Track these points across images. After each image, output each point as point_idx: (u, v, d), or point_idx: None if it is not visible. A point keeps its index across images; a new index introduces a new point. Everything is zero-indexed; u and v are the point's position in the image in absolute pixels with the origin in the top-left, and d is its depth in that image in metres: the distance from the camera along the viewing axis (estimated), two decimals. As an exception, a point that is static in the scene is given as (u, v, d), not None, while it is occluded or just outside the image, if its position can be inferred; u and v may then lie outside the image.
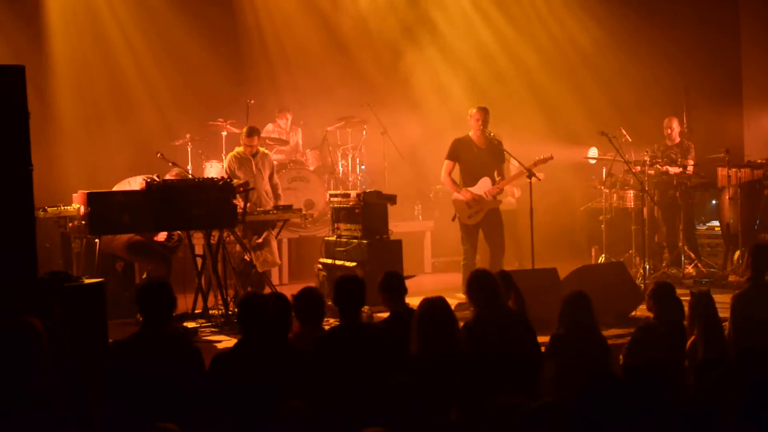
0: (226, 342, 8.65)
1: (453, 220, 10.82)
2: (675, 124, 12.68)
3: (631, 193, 12.39)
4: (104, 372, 5.57)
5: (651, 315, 6.93)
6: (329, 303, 6.88)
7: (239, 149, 11.27)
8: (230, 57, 14.60)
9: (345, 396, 5.66)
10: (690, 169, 12.31)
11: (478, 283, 6.64)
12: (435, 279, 13.03)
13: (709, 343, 6.51)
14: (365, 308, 9.39)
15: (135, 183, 9.77)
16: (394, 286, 6.86)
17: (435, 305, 6.08)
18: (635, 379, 4.52)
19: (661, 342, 6.53)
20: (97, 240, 9.08)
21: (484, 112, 10.60)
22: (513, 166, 11.39)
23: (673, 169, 12.25)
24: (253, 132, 11.19)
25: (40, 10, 13.48)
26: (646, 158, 12.05)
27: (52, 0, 13.54)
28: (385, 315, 7.02)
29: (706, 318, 6.71)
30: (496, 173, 10.71)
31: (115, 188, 9.89)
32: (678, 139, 12.67)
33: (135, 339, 5.70)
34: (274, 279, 12.02)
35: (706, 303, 6.81)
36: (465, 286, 6.81)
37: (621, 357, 6.82)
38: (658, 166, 12.18)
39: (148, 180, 9.15)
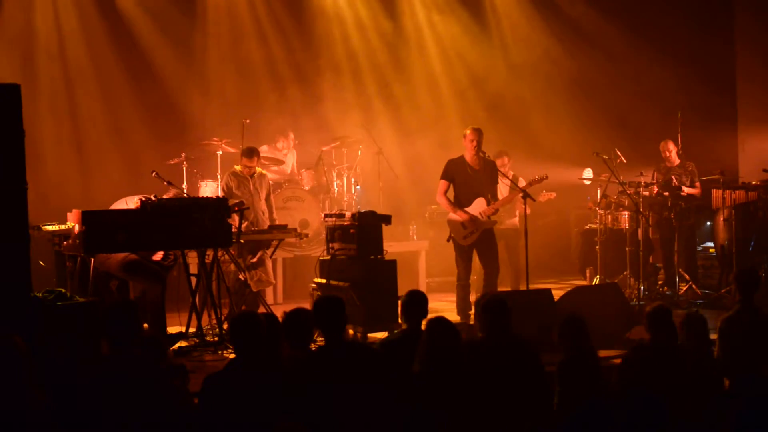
0: (220, 361, 8.62)
1: (448, 240, 10.82)
2: (671, 146, 12.65)
3: (625, 214, 12.40)
4: (76, 395, 5.53)
5: (646, 336, 6.93)
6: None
7: (237, 168, 11.29)
8: (225, 77, 14.62)
9: (332, 416, 5.64)
10: (696, 191, 12.36)
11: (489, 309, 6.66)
12: (429, 299, 12.94)
13: (701, 365, 6.52)
14: (359, 328, 9.42)
15: (131, 203, 9.75)
16: (413, 305, 6.86)
17: (441, 325, 6.08)
18: (631, 400, 4.52)
19: (656, 364, 6.52)
20: (91, 259, 9.06)
21: (478, 133, 10.62)
22: (510, 187, 11.39)
23: (688, 189, 12.27)
24: (253, 153, 11.24)
25: (32, 28, 13.54)
26: (641, 179, 12.05)
27: (46, 19, 13.59)
28: (379, 335, 7.04)
29: (696, 340, 6.73)
30: (490, 195, 10.71)
31: (112, 207, 9.87)
32: (678, 161, 12.66)
33: (102, 362, 5.68)
34: (269, 298, 12.01)
35: (697, 326, 6.82)
36: (475, 308, 6.82)
37: (614, 378, 6.80)
38: (663, 193, 12.18)
39: (144, 199, 9.14)
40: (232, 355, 8.66)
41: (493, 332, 6.54)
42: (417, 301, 6.94)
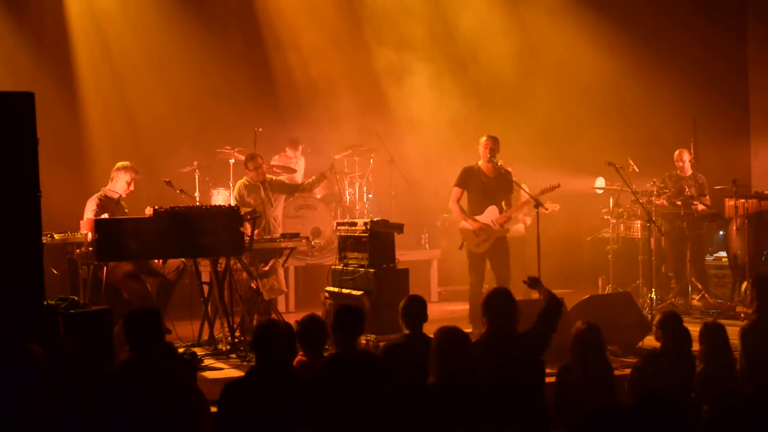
0: (232, 370, 8.63)
1: (460, 248, 10.82)
2: (686, 156, 12.65)
3: (638, 224, 12.39)
4: (94, 401, 5.53)
5: (658, 345, 6.92)
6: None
7: (247, 177, 11.31)
8: (238, 85, 14.63)
9: (344, 424, 5.64)
10: (707, 201, 12.37)
11: (493, 302, 6.64)
12: (441, 308, 12.99)
13: (721, 375, 6.50)
14: (371, 336, 9.41)
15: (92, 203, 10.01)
16: (414, 311, 6.88)
17: (453, 334, 6.07)
18: (645, 409, 4.50)
19: (667, 372, 6.50)
20: (104, 266, 9.09)
21: (492, 141, 10.65)
22: (523, 195, 11.37)
23: (701, 204, 12.28)
24: (254, 157, 11.29)
25: (61, 38, 13.65)
26: (653, 188, 12.03)
27: (73, 29, 13.71)
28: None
29: (718, 351, 6.71)
30: (504, 203, 10.71)
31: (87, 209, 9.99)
32: (690, 171, 12.66)
33: (121, 368, 5.69)
34: (281, 307, 12.01)
35: (717, 335, 6.80)
36: (482, 304, 6.80)
37: (626, 387, 6.79)
38: (675, 202, 12.19)
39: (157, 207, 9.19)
40: (244, 363, 8.72)
41: (495, 326, 6.53)
42: (417, 306, 6.93)
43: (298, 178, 13.98)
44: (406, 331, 6.86)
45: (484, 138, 10.73)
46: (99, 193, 10.20)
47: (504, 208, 10.69)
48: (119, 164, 10.42)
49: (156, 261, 9.96)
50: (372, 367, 6.09)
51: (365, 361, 6.20)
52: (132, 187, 10.38)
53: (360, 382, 5.86)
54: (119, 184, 10.29)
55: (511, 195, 10.93)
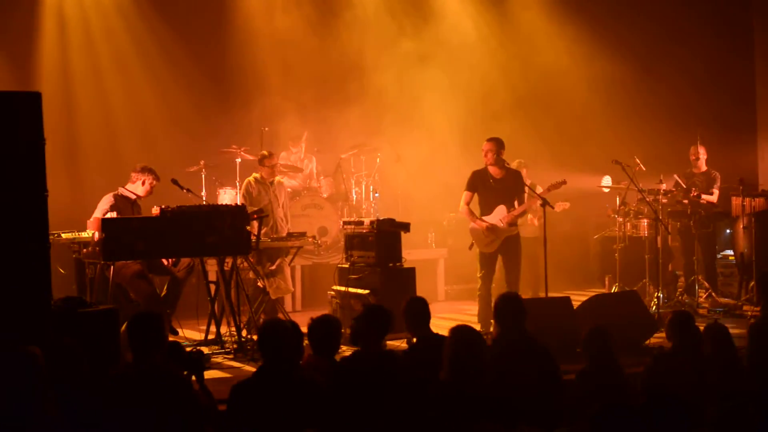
0: (239, 369, 8.63)
1: (470, 248, 10.82)
2: (701, 152, 12.63)
3: (644, 222, 12.37)
4: (97, 403, 5.52)
5: (666, 344, 6.91)
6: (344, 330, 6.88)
7: (257, 174, 11.33)
8: (244, 84, 14.63)
9: (365, 424, 5.64)
10: (713, 198, 12.33)
11: (504, 306, 6.67)
12: (448, 307, 12.99)
13: (726, 374, 6.49)
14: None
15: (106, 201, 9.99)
16: (418, 311, 6.87)
17: (468, 334, 6.07)
18: (657, 407, 4.49)
19: (678, 371, 6.49)
20: (110, 266, 9.09)
21: (491, 143, 10.61)
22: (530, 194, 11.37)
23: (706, 197, 12.24)
24: (271, 154, 11.33)
25: (59, 36, 13.66)
26: (661, 187, 12.01)
27: (73, 29, 13.74)
28: (398, 342, 7.06)
29: (722, 352, 6.70)
30: (516, 202, 10.69)
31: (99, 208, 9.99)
32: (705, 168, 12.64)
33: (123, 371, 5.68)
34: (287, 306, 12.01)
35: (721, 336, 6.79)
36: (493, 308, 6.83)
37: (639, 386, 6.78)
38: (681, 200, 12.18)
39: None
40: (252, 362, 8.72)
41: (506, 329, 6.54)
42: (419, 308, 6.93)
43: (308, 177, 13.99)
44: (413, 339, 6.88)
45: (484, 142, 10.73)
46: (115, 191, 10.19)
47: (516, 207, 10.68)
48: (143, 166, 10.37)
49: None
50: (396, 366, 6.10)
51: (390, 360, 6.21)
52: (151, 191, 10.36)
53: (387, 381, 5.88)
54: (140, 186, 10.26)
55: (524, 195, 10.91)
